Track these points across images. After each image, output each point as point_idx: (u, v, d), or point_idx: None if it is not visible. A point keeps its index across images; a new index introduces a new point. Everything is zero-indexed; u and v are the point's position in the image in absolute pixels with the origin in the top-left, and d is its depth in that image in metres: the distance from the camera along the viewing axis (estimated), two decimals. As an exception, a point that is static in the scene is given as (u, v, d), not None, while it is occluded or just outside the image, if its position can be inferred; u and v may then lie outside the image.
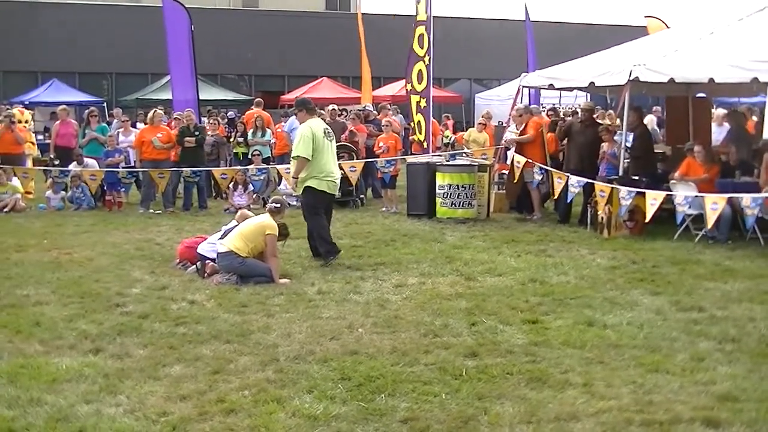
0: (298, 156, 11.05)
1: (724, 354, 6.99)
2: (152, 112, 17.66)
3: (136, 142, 17.30)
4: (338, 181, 11.58)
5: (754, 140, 14.63)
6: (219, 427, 5.55)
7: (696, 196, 12.40)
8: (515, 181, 15.22)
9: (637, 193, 12.74)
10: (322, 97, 29.03)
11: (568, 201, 14.31)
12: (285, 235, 10.56)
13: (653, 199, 12.48)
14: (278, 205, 10.65)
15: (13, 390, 6.14)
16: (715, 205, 11.80)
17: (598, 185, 13.32)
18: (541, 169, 14.78)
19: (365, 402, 5.93)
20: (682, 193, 12.56)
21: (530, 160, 14.84)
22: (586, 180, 13.73)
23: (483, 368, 6.61)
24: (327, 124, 18.10)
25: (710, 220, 11.89)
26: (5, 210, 16.21)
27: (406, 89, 19.16)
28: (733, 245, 12.10)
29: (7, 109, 21.38)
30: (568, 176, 14.02)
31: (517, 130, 15.68)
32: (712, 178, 13.12)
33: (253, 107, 22.77)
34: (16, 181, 17.11)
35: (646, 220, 12.66)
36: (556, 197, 14.89)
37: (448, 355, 6.99)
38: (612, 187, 13.03)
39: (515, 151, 15.37)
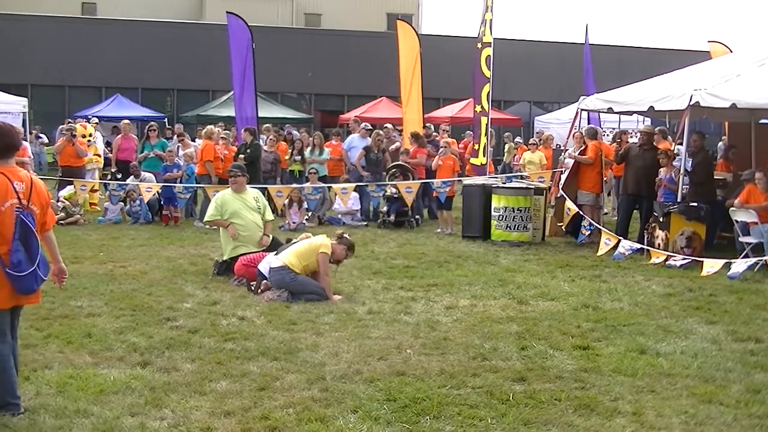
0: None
1: (780, 387, 6.80)
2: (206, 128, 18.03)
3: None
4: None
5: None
6: (262, 445, 5.54)
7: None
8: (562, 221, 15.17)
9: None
10: (381, 117, 29.06)
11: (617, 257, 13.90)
12: (339, 261, 10.57)
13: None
14: (348, 237, 10.64)
15: (61, 400, 6.20)
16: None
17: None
18: (590, 224, 14.57)
19: (409, 424, 5.87)
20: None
21: (581, 212, 14.67)
22: (638, 246, 13.45)
23: (531, 393, 6.52)
24: (379, 143, 18.31)
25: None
26: (61, 222, 16.11)
27: (475, 111, 18.94)
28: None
29: (69, 123, 21.73)
30: (620, 239, 13.74)
31: (575, 152, 15.52)
32: (773, 207, 12.81)
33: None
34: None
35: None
36: (598, 254, 13.84)
37: (496, 379, 6.90)
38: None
39: (569, 174, 15.26)
